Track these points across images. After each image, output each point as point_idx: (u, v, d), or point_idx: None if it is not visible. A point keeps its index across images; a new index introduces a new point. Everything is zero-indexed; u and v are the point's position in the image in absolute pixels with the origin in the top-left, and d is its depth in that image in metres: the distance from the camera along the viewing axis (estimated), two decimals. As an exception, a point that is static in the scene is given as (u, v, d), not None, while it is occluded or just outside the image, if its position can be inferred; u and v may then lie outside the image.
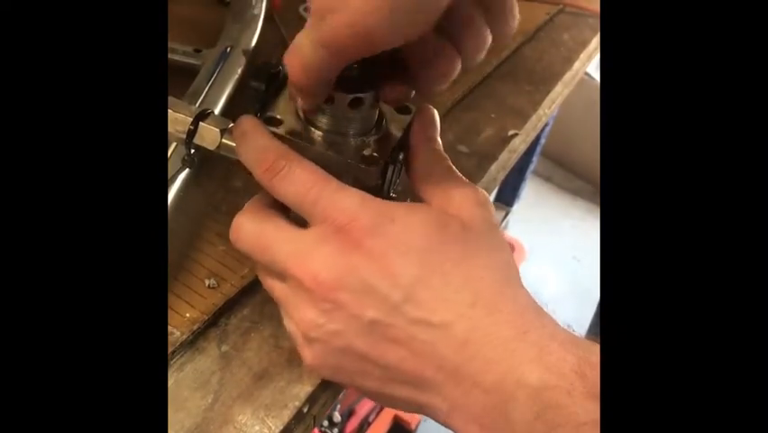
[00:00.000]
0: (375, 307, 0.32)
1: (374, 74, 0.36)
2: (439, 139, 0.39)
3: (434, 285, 0.32)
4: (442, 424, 0.33)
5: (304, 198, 0.34)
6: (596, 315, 1.54)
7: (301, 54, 0.32)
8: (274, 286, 0.36)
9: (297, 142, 0.36)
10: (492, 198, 1.84)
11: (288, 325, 0.36)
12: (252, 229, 0.36)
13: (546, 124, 1.34)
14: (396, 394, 0.33)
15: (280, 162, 0.35)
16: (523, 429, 0.29)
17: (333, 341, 0.33)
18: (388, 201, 0.34)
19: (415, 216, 0.34)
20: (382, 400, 0.35)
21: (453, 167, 0.38)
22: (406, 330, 0.32)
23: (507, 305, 0.31)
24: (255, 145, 0.36)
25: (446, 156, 0.38)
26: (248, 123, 0.37)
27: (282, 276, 0.35)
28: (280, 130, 0.37)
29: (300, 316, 0.34)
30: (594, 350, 0.29)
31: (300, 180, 0.34)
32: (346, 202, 0.33)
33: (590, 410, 0.27)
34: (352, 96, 0.36)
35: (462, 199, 0.35)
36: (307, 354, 0.35)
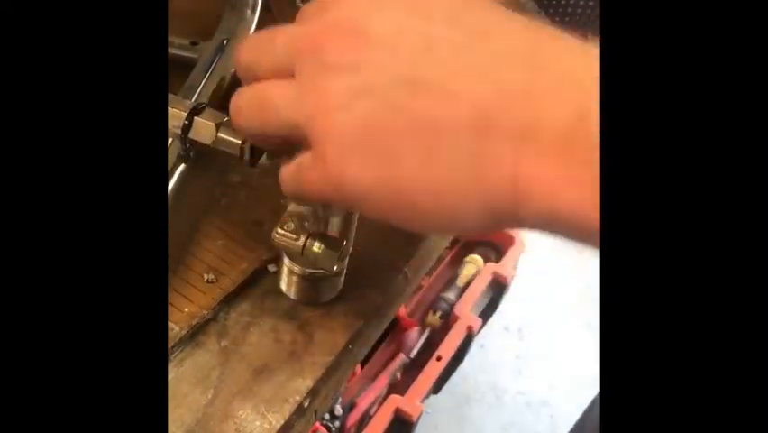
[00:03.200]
0: (411, 39, 0.28)
1: None
2: None
3: (476, 14, 0.28)
4: (507, 187, 0.27)
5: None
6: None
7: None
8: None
9: None
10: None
11: (304, 106, 0.30)
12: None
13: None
14: (452, 153, 0.27)
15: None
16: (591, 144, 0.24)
17: (371, 97, 0.28)
18: None
19: None
20: (441, 174, 0.28)
21: None
22: (456, 54, 0.27)
23: (548, 29, 0.28)
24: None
25: None
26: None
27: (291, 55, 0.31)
28: None
29: (328, 83, 0.29)
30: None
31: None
32: None
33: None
34: None
35: None
36: (340, 121, 0.28)
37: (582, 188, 0.25)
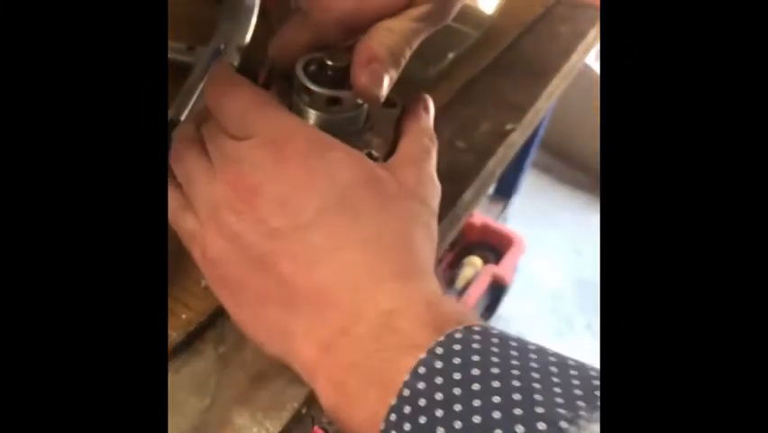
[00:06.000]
0: (282, 219, 0.32)
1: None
2: (430, 120, 0.40)
3: (341, 219, 0.32)
4: (293, 364, 0.33)
5: (247, 115, 0.34)
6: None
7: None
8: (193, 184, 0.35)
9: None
10: (491, 190, 1.85)
11: (200, 202, 0.35)
12: (189, 134, 0.37)
13: (544, 117, 1.33)
14: (267, 314, 0.33)
15: (228, 88, 0.36)
16: (357, 347, 0.30)
17: (235, 241, 0.33)
18: (336, 138, 0.35)
19: (352, 158, 0.34)
20: (250, 322, 0.34)
21: (430, 151, 0.38)
22: (303, 248, 0.32)
23: (396, 253, 0.32)
24: (218, 79, 0.37)
25: (429, 141, 0.38)
26: (221, 66, 0.38)
27: (212, 175, 0.35)
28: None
29: (214, 205, 0.34)
30: (454, 306, 0.30)
31: (246, 100, 0.35)
32: (290, 122, 0.34)
33: (424, 337, 0.28)
34: (331, 94, 0.35)
35: (410, 174, 0.36)
36: (210, 240, 0.34)
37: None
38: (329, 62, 0.35)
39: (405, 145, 0.37)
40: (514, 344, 0.28)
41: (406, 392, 0.26)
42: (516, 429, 0.24)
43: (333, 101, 0.35)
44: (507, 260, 1.54)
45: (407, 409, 0.26)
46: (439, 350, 0.27)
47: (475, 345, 0.27)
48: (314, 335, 0.31)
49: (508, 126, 0.60)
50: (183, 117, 0.48)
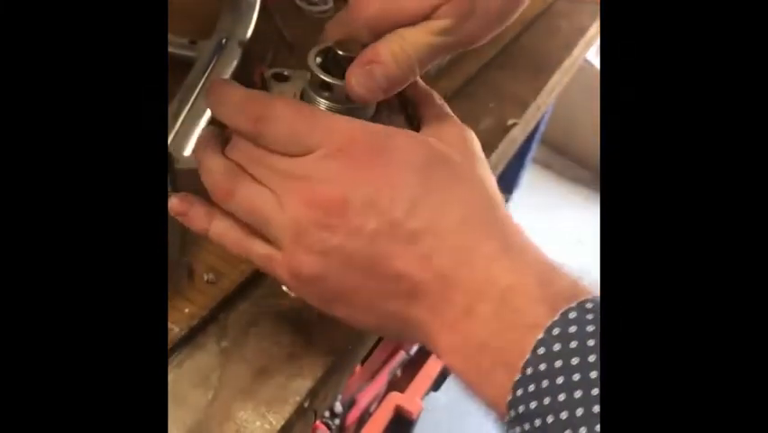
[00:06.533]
0: (377, 219, 0.32)
1: None
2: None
3: (433, 201, 0.33)
4: (421, 342, 0.35)
5: (298, 130, 0.34)
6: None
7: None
8: (265, 204, 0.34)
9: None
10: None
11: (277, 230, 0.34)
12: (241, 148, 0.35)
13: (545, 112, 1.33)
14: (386, 308, 0.34)
15: (264, 108, 0.34)
16: (483, 326, 0.31)
17: (333, 254, 0.33)
18: (384, 125, 0.35)
19: (413, 138, 0.35)
20: (368, 319, 0.35)
21: (446, 106, 0.39)
22: (408, 241, 0.32)
23: (494, 225, 0.33)
24: (232, 100, 0.35)
25: (440, 98, 0.40)
26: (219, 83, 0.37)
27: (279, 200, 0.34)
28: (288, 87, 0.37)
29: (295, 228, 0.33)
30: (563, 276, 0.32)
31: (290, 116, 0.34)
32: (343, 124, 0.34)
33: (540, 314, 0.30)
34: (324, 80, 0.36)
35: (454, 136, 0.37)
36: (303, 261, 0.33)
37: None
38: (339, 52, 0.36)
39: (425, 109, 0.39)
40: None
41: (530, 371, 0.29)
42: None
43: (325, 86, 0.36)
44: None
45: (531, 388, 0.28)
46: (556, 331, 0.29)
47: (590, 328, 0.28)
48: (440, 318, 0.32)
49: (510, 121, 0.60)
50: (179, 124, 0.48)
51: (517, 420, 0.29)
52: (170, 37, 0.53)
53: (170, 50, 0.53)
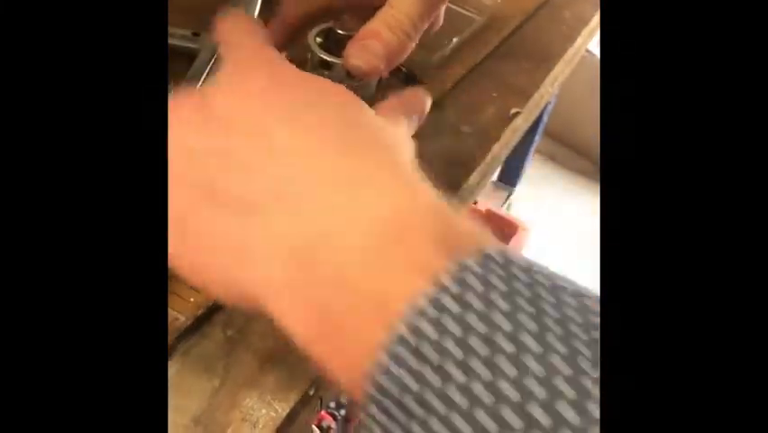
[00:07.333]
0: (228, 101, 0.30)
1: None
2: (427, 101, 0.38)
3: (296, 98, 0.29)
4: (246, 287, 0.26)
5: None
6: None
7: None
8: None
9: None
10: (495, 177, 1.84)
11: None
12: None
13: (548, 103, 1.33)
14: (219, 231, 0.27)
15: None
16: (347, 259, 0.24)
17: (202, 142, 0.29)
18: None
19: (344, 93, 0.30)
20: (205, 242, 0.28)
21: (424, 116, 0.36)
22: (263, 133, 0.28)
23: (397, 158, 0.28)
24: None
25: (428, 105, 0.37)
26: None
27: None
28: None
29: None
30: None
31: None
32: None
33: (433, 256, 0.23)
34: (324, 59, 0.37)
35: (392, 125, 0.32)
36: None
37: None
38: (339, 31, 0.37)
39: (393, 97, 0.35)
40: (545, 282, 0.24)
41: (407, 329, 0.21)
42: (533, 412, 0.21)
43: (324, 65, 0.37)
44: (511, 246, 1.54)
45: (413, 341, 0.21)
46: (454, 288, 0.22)
47: (500, 286, 0.22)
48: (280, 242, 0.25)
49: (513, 111, 0.60)
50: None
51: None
52: (172, 29, 0.53)
53: (173, 42, 0.53)
